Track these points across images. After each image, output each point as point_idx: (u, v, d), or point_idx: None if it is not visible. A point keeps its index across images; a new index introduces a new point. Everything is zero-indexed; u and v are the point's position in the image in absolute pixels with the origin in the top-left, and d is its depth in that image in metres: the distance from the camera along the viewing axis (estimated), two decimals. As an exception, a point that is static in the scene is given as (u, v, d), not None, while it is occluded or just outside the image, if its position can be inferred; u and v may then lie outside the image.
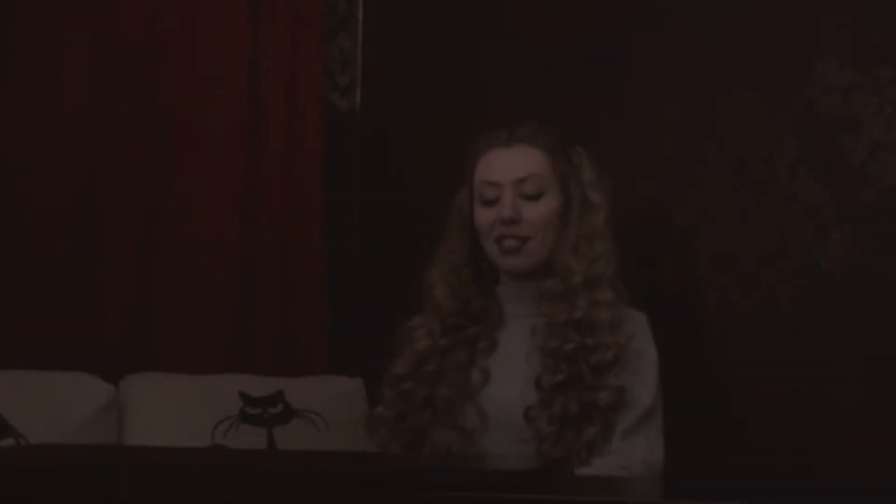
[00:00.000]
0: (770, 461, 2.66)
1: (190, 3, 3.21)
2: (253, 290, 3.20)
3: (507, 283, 2.58)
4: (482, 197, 2.54)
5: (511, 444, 2.45)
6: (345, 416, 2.92)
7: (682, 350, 2.74)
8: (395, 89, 3.39)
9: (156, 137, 3.16)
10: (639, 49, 2.91)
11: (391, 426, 2.55)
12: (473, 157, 2.59)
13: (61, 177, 3.07)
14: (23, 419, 2.69)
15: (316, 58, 3.29)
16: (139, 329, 3.12)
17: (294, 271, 3.24)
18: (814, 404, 2.64)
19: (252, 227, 3.21)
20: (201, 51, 3.19)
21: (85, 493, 1.79)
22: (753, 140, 2.74)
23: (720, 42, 2.80)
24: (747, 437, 2.72)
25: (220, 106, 3.20)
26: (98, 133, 3.11)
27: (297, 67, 3.26)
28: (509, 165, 2.54)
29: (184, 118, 3.17)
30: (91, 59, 3.10)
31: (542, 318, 2.50)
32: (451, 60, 3.25)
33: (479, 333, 2.56)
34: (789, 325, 2.69)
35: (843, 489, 2.32)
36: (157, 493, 1.79)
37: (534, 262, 2.53)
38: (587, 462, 2.41)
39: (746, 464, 2.66)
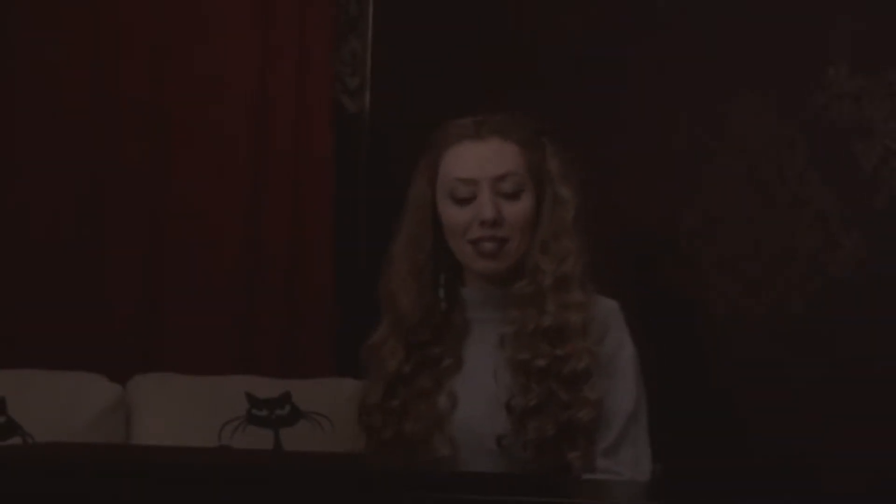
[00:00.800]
0: (775, 465, 2.66)
1: (199, 4, 3.21)
2: (260, 292, 3.20)
3: (474, 286, 2.41)
4: (453, 194, 2.35)
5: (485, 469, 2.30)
6: (351, 418, 2.90)
7: (688, 355, 2.73)
8: (404, 91, 3.39)
9: (163, 139, 3.16)
10: (646, 51, 2.91)
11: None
12: (438, 148, 2.39)
13: (67, 177, 3.07)
14: (30, 418, 2.68)
15: (326, 60, 3.29)
16: (146, 329, 3.12)
17: (302, 272, 3.24)
18: (823, 411, 2.63)
19: (260, 228, 3.22)
20: (210, 52, 3.20)
21: (91, 492, 1.79)
22: (763, 144, 2.74)
23: (731, 45, 2.80)
24: (753, 443, 2.71)
25: (228, 107, 3.20)
26: (103, 134, 3.11)
27: (307, 69, 3.26)
28: (484, 161, 2.34)
29: (192, 119, 3.18)
30: (92, 59, 3.10)
31: (510, 325, 2.33)
32: (459, 63, 3.25)
33: (443, 352, 2.40)
34: (798, 331, 2.68)
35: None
36: (163, 494, 1.78)
37: (510, 265, 2.36)
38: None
39: (752, 468, 2.65)
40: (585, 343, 2.29)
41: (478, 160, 2.35)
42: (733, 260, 2.77)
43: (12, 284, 3.03)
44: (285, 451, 2.77)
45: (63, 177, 3.07)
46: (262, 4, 3.23)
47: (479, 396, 2.35)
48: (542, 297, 2.32)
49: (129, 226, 3.12)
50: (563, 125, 2.57)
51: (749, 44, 2.76)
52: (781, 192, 2.71)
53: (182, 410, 2.83)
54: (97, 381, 2.83)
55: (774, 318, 2.70)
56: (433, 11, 3.34)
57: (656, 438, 2.38)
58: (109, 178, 3.12)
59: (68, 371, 2.83)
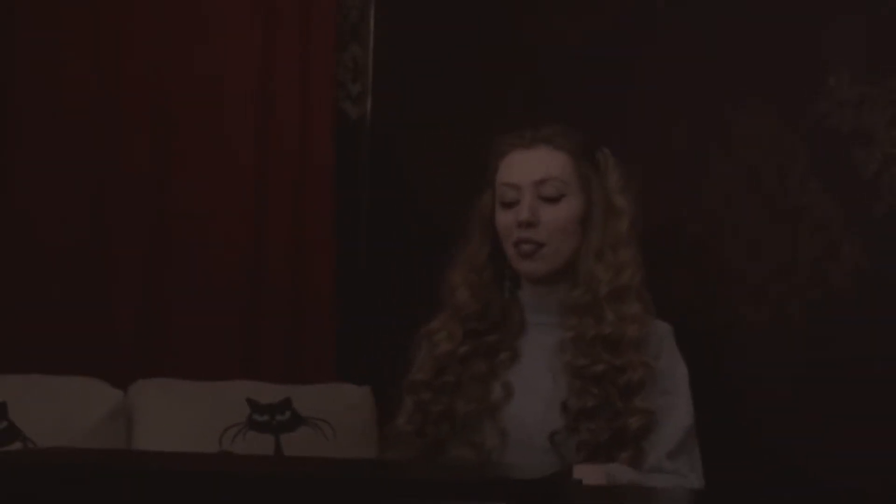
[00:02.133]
0: (778, 473, 2.66)
1: (201, 9, 3.21)
2: (262, 296, 3.20)
3: (527, 288, 2.51)
4: (502, 199, 2.48)
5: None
6: (352, 424, 2.93)
7: (691, 363, 2.73)
8: (406, 97, 3.39)
9: (165, 143, 3.17)
10: (647, 55, 2.91)
11: (410, 441, 2.48)
12: (495, 158, 2.53)
13: (68, 180, 3.08)
14: (31, 423, 2.69)
15: (328, 66, 3.30)
16: (148, 334, 3.12)
17: (303, 278, 3.24)
18: (824, 416, 2.63)
19: (261, 232, 3.22)
20: (212, 55, 3.20)
21: (92, 498, 1.79)
22: (765, 152, 2.74)
23: (732, 53, 2.80)
24: (756, 450, 2.71)
25: (230, 111, 3.21)
26: (105, 137, 3.11)
27: (309, 76, 3.26)
28: (529, 167, 2.47)
29: (194, 123, 3.18)
30: (92, 63, 3.10)
31: (569, 331, 2.42)
32: (460, 68, 3.25)
33: (500, 342, 2.48)
34: (799, 339, 2.69)
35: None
36: (163, 499, 1.78)
37: (551, 268, 2.46)
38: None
39: (755, 478, 2.66)
40: (642, 356, 2.38)
41: (522, 166, 2.48)
42: (735, 268, 2.77)
43: (14, 288, 3.03)
44: (286, 456, 2.78)
45: (65, 180, 3.07)
46: (264, 10, 3.24)
47: (534, 393, 2.42)
48: (599, 307, 2.40)
49: (131, 229, 3.12)
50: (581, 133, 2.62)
51: (750, 52, 2.76)
52: (783, 200, 2.71)
53: (183, 415, 2.83)
54: (98, 386, 2.83)
55: (775, 325, 2.70)
56: (434, 18, 3.34)
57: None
58: (111, 182, 3.12)
59: (69, 376, 2.84)
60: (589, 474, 2.12)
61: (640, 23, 2.93)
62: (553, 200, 2.44)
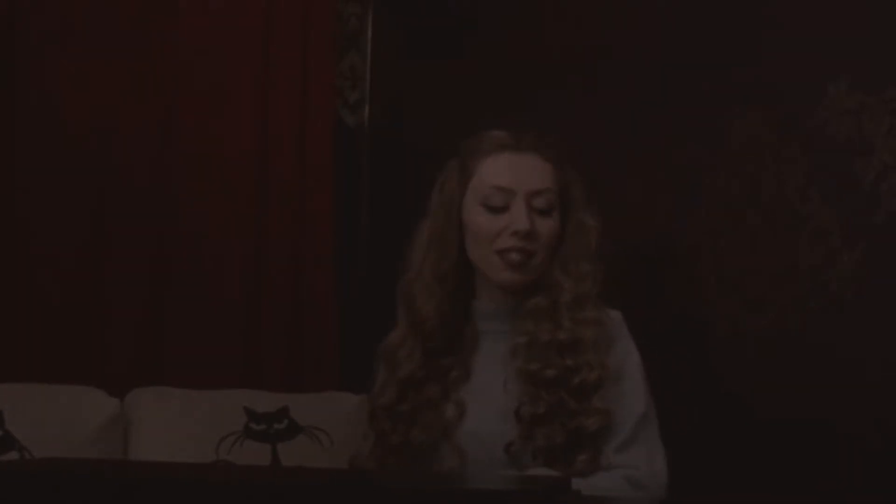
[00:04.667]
0: (775, 479, 2.66)
1: (201, 18, 3.22)
2: (262, 305, 3.21)
3: (486, 297, 2.43)
4: (487, 201, 2.38)
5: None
6: (350, 433, 2.90)
7: (690, 372, 2.73)
8: (403, 105, 3.40)
9: (166, 150, 3.17)
10: (646, 66, 2.92)
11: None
12: (476, 155, 2.42)
13: (69, 191, 3.08)
14: (28, 432, 2.68)
15: (328, 75, 3.30)
16: (146, 342, 3.13)
17: (304, 285, 3.25)
18: (822, 426, 2.63)
19: (261, 242, 3.23)
20: (211, 65, 3.21)
21: (88, 507, 1.79)
22: (763, 161, 2.74)
23: (730, 62, 2.80)
24: (753, 457, 2.71)
25: (230, 121, 3.21)
26: (106, 147, 3.12)
27: (308, 84, 3.27)
28: (524, 173, 2.39)
29: (194, 132, 3.19)
30: (92, 74, 3.10)
31: (523, 336, 2.36)
32: (457, 77, 3.26)
33: (453, 362, 2.42)
34: (798, 348, 2.69)
35: None
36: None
37: (531, 279, 2.39)
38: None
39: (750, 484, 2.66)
40: (597, 356, 2.33)
41: (517, 171, 2.38)
42: (735, 277, 2.78)
43: (12, 297, 3.03)
44: (283, 466, 2.78)
45: (65, 190, 3.08)
46: (264, 19, 3.25)
47: (487, 406, 2.36)
48: (558, 313, 2.35)
49: (130, 239, 3.12)
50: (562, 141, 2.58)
51: (749, 61, 2.77)
52: (782, 208, 2.71)
53: (180, 424, 2.83)
54: (96, 395, 2.83)
55: (775, 334, 2.70)
56: (432, 26, 3.36)
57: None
58: (111, 192, 3.12)
59: (66, 384, 2.84)
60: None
61: (645, 34, 2.94)
62: (544, 213, 2.39)
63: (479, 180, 2.41)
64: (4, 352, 2.99)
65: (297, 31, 3.27)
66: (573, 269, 2.38)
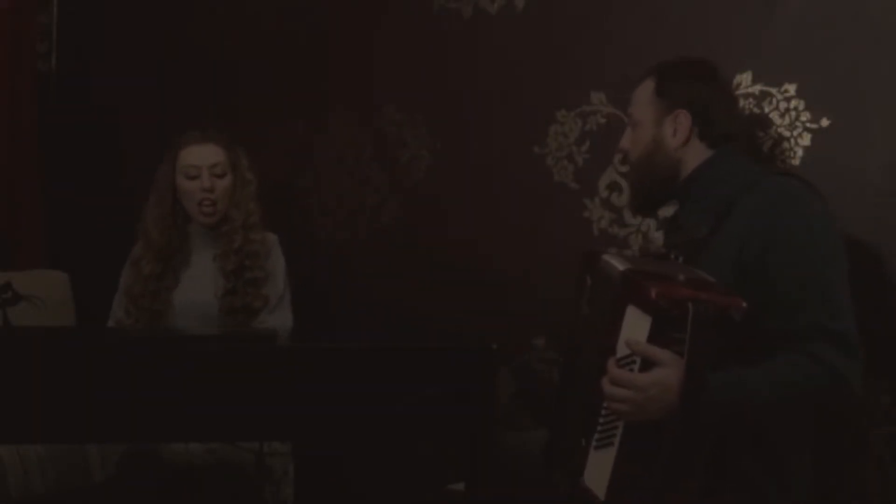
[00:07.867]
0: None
1: None
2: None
3: (196, 227, 3.66)
4: (187, 174, 3.59)
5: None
6: (56, 300, 3.84)
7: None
8: (88, 55, 4.18)
9: None
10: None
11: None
12: (177, 147, 3.63)
13: None
14: None
15: (29, 30, 4.07)
16: None
17: (15, 199, 4.04)
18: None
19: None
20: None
21: None
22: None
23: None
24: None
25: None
26: None
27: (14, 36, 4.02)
28: (205, 155, 3.61)
29: None
30: None
31: (220, 248, 3.60)
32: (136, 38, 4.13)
33: (179, 262, 3.63)
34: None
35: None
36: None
37: (218, 217, 3.61)
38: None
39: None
40: (259, 260, 3.63)
41: (201, 154, 3.64)
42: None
43: None
44: (14, 325, 3.23)
45: None
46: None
47: (198, 285, 3.62)
48: (236, 233, 3.63)
49: None
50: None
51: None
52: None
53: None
54: None
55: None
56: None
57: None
58: None
59: None
60: None
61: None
62: (220, 176, 3.62)
63: (181, 161, 3.64)
64: None
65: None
66: (243, 206, 3.65)
